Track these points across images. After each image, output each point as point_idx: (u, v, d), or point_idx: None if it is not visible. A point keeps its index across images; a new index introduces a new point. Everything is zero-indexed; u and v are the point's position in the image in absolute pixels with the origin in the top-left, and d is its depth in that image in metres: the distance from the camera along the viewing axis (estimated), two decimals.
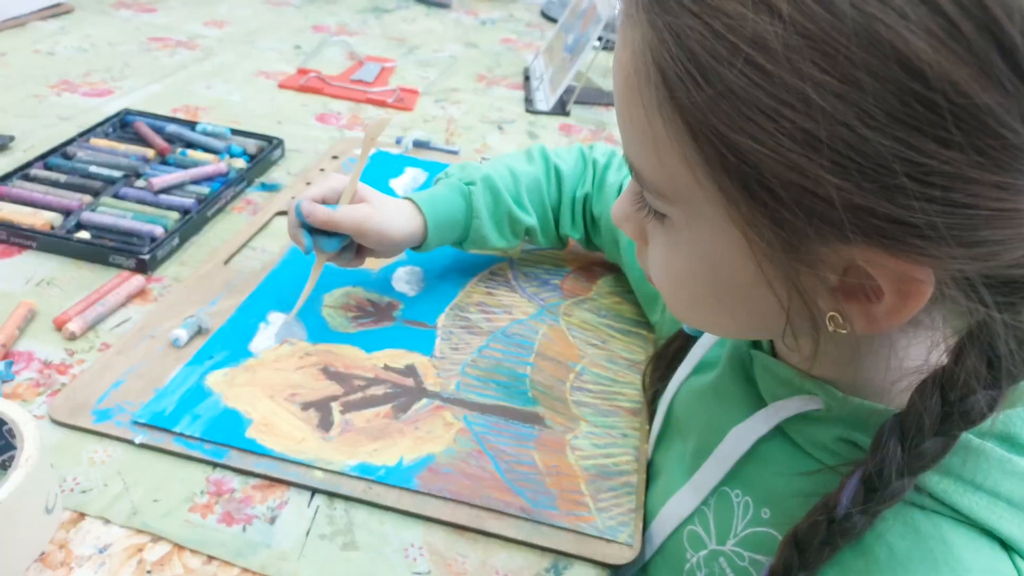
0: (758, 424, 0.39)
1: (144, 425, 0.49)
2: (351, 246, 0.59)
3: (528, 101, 1.11)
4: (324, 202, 0.57)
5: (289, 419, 0.51)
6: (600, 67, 1.22)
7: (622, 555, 0.45)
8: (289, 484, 0.47)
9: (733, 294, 0.33)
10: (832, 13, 0.24)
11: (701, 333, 0.50)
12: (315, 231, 0.57)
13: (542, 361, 0.60)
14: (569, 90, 1.10)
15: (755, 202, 0.28)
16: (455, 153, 0.92)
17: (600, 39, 1.01)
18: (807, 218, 0.27)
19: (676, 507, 0.44)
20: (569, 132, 1.03)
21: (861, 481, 0.32)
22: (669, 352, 0.52)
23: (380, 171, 0.85)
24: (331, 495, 0.47)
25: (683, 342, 0.51)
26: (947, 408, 0.30)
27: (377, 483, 0.47)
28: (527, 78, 1.20)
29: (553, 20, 1.53)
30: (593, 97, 1.14)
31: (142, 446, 0.48)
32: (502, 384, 0.57)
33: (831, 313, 0.30)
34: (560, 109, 1.08)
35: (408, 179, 0.84)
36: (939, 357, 0.31)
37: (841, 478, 0.33)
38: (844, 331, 0.30)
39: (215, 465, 0.48)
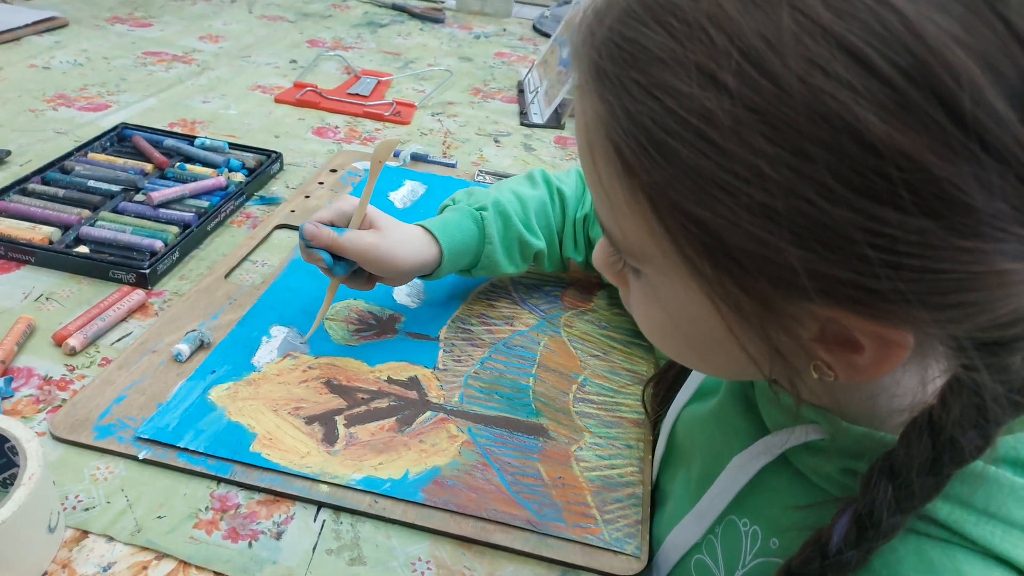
0: (761, 453, 0.39)
1: (147, 440, 0.49)
2: (362, 271, 0.58)
3: (523, 114, 1.11)
4: (332, 226, 0.56)
5: (293, 433, 0.51)
6: None
7: (630, 567, 0.45)
8: (294, 499, 0.47)
9: (713, 347, 0.33)
10: (779, 87, 0.24)
11: None
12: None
13: (544, 373, 0.60)
14: (564, 103, 1.10)
15: (720, 271, 0.28)
16: (452, 166, 0.92)
17: None
18: (774, 286, 0.27)
19: (682, 535, 0.44)
20: (564, 145, 1.04)
21: (853, 519, 0.32)
22: (669, 376, 0.52)
23: (379, 184, 0.85)
24: (337, 509, 0.47)
25: (681, 366, 0.52)
26: (937, 449, 0.29)
27: (383, 496, 0.47)
28: (521, 91, 1.20)
29: (545, 34, 1.55)
30: None
31: (145, 462, 0.48)
32: (505, 396, 0.57)
33: (813, 362, 0.30)
34: (555, 122, 1.09)
35: (407, 191, 0.84)
36: (930, 393, 0.30)
37: (832, 515, 0.33)
38: (829, 378, 0.30)
39: (219, 480, 0.47)
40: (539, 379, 0.59)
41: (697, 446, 0.46)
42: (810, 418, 0.37)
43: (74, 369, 0.55)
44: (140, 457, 0.48)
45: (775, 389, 0.36)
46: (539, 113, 1.10)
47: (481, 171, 0.90)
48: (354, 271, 0.58)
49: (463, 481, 0.49)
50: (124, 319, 0.60)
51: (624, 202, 0.29)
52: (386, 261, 0.56)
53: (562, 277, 0.72)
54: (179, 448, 0.49)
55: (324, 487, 0.47)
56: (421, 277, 0.61)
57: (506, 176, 0.90)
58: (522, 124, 1.08)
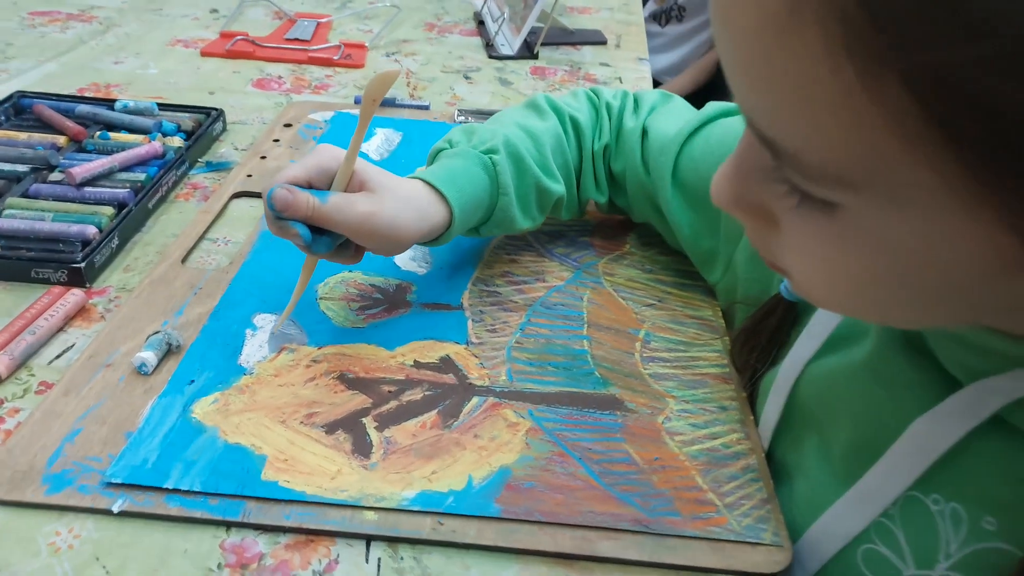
0: (960, 411, 0.30)
1: (121, 486, 0.37)
2: (349, 242, 0.46)
3: (489, 46, 0.99)
4: (309, 187, 0.43)
5: (314, 448, 0.39)
6: (560, 5, 1.10)
7: (774, 559, 0.36)
8: (334, 535, 0.36)
9: (946, 291, 0.24)
10: None
11: (800, 298, 0.41)
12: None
13: (597, 332, 0.50)
14: (534, 31, 0.98)
15: None
16: (425, 108, 0.80)
17: None
18: None
19: (838, 521, 0.34)
20: (543, 75, 0.92)
21: None
22: (768, 325, 0.43)
23: (346, 137, 0.72)
24: (392, 540, 0.36)
25: (784, 312, 0.42)
26: None
27: (448, 515, 0.37)
28: (481, 23, 1.07)
29: None
30: (561, 37, 1.03)
31: (123, 515, 0.36)
32: (561, 366, 0.46)
33: None
34: (527, 52, 0.97)
35: (380, 141, 0.71)
36: None
37: None
38: None
39: (229, 525, 0.36)
40: (594, 341, 0.49)
41: (841, 408, 0.37)
42: None
43: (3, 402, 0.42)
44: (115, 510, 0.36)
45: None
46: (507, 44, 0.98)
47: (461, 111, 0.78)
48: (340, 244, 0.45)
49: (542, 480, 0.39)
50: (61, 328, 0.47)
51: (856, 94, 0.19)
52: (385, 233, 0.43)
53: (585, 219, 0.61)
54: (167, 490, 0.37)
55: (370, 514, 0.36)
56: (421, 243, 0.49)
57: (490, 114, 0.79)
58: (491, 57, 0.96)
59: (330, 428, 0.41)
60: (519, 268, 0.55)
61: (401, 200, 0.44)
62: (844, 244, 0.24)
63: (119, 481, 0.37)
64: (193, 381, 0.43)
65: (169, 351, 0.45)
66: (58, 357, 0.45)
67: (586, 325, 0.50)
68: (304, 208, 0.41)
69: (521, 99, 0.86)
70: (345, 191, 0.43)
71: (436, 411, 0.42)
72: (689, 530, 0.37)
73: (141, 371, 0.43)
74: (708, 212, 0.50)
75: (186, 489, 0.36)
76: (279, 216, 0.42)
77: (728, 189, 0.28)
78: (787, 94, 0.21)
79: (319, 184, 0.43)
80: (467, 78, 0.89)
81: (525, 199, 0.52)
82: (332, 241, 0.44)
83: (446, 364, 0.46)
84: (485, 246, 0.57)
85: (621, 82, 0.92)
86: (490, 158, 0.49)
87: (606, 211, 0.59)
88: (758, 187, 0.26)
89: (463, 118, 0.77)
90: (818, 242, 0.25)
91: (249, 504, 0.36)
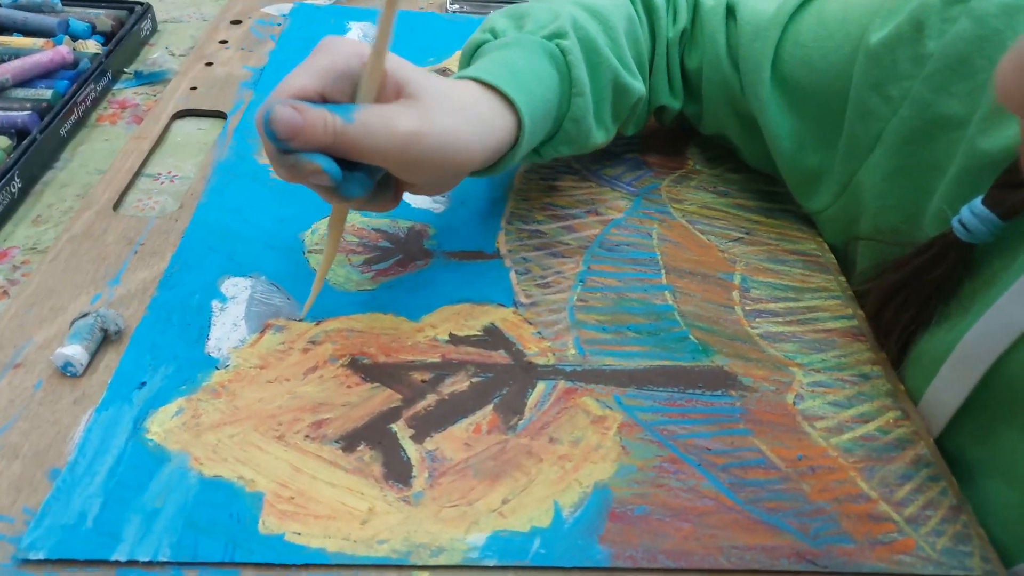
0: None
1: (47, 563, 0.24)
2: (388, 181, 0.32)
3: None
4: (323, 101, 0.28)
5: (329, 474, 0.28)
6: None
7: None
8: None
9: None
10: None
11: (985, 239, 0.29)
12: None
13: (680, 280, 0.38)
14: None
15: None
16: None
17: None
18: None
19: None
20: None
21: None
22: (933, 279, 0.31)
23: (311, 36, 0.57)
24: None
25: (955, 260, 0.31)
26: None
27: (537, 570, 0.26)
28: None
29: None
30: None
31: None
32: (643, 329, 0.35)
33: None
34: None
35: (358, 39, 0.56)
36: None
37: None
38: None
39: None
40: (679, 291, 0.37)
41: None
42: None
43: None
44: None
45: None
46: None
47: None
48: (378, 181, 0.31)
49: (657, 502, 0.28)
50: None
51: None
52: (439, 159, 0.30)
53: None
54: (118, 564, 0.25)
55: (424, 575, 0.25)
56: (476, 174, 0.35)
57: (493, 2, 0.64)
58: None
59: (349, 443, 0.29)
60: (562, 198, 0.43)
61: (456, 110, 0.30)
62: None
63: (42, 556, 0.24)
64: (144, 383, 0.30)
65: (105, 339, 0.32)
66: None
67: (664, 271, 0.38)
68: (323, 132, 0.27)
69: None
70: (376, 102, 0.30)
71: (491, 406, 0.31)
72: (871, 563, 0.27)
73: (67, 372, 0.30)
74: (820, 117, 0.38)
75: (148, 560, 0.25)
76: (285, 149, 0.28)
77: None
78: None
79: (337, 95, 0.29)
80: None
81: (600, 102, 0.39)
82: (368, 178, 0.30)
83: (493, 336, 0.34)
84: (510, 174, 0.45)
85: None
86: (557, 45, 0.36)
87: (668, 122, 0.46)
88: None
89: (458, 7, 0.62)
90: None
91: (245, 574, 0.25)
